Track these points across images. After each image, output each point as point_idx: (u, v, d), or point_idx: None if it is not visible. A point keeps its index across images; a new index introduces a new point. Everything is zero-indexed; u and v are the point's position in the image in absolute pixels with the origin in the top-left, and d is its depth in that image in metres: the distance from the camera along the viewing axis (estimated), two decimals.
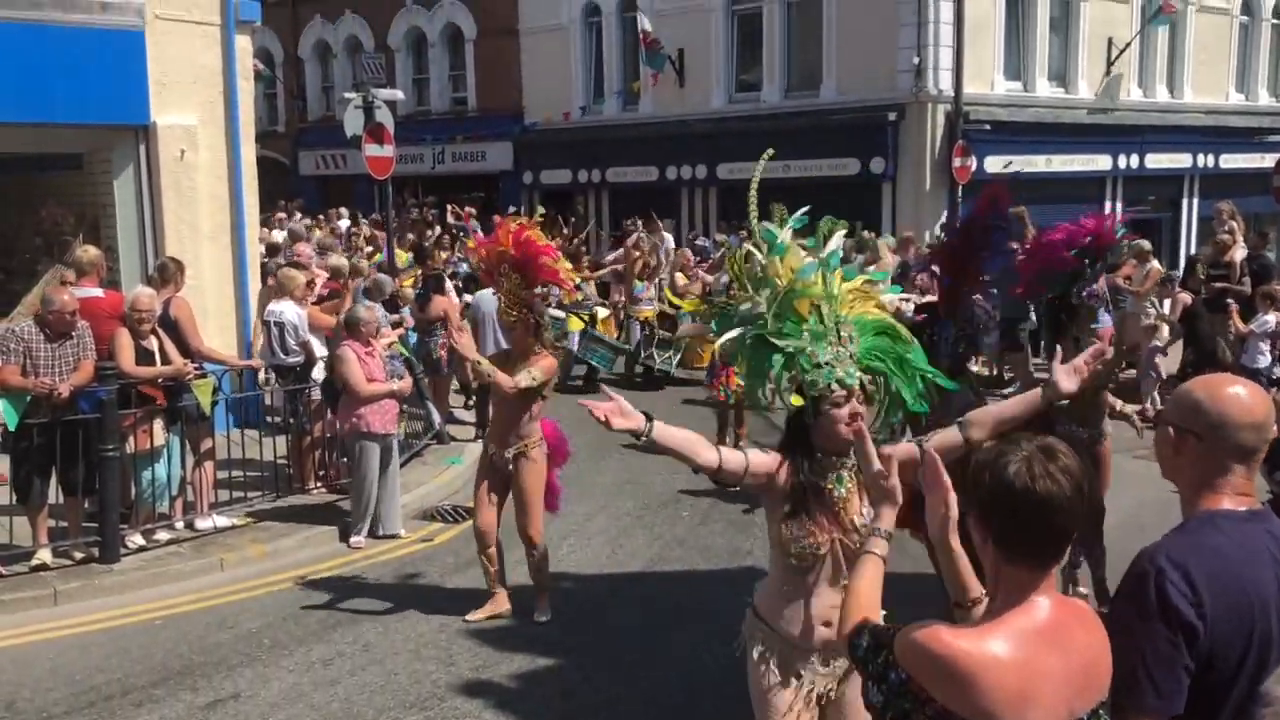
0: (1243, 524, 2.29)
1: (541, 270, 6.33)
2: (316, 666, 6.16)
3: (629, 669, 6.08)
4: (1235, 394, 2.32)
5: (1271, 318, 11.47)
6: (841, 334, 3.54)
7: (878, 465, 2.72)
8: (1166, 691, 2.16)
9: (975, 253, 5.71)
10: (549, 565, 6.90)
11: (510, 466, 6.54)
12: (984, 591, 2.39)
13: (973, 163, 18.76)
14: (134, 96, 10.27)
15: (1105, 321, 13.06)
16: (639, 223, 18.81)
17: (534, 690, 5.88)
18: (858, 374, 3.48)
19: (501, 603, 6.79)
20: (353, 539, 8.22)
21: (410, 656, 6.28)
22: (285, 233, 16.73)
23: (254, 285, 11.39)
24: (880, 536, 2.63)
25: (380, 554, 8.09)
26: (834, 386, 3.43)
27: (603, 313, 15.56)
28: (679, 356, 14.56)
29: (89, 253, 8.27)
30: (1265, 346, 11.50)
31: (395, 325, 10.72)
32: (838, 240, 3.71)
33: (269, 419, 9.94)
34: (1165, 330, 12.96)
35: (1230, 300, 12.47)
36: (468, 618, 6.70)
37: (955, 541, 2.43)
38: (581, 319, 14.37)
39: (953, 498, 2.38)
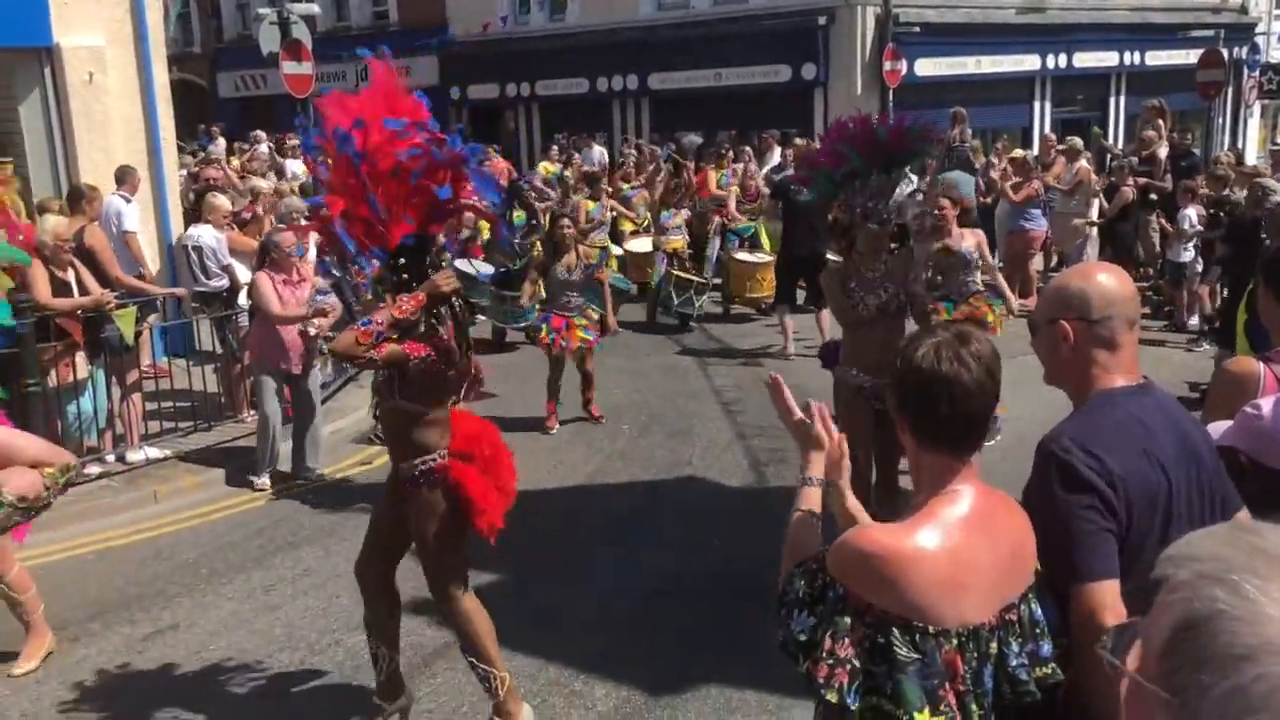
0: (1136, 397, 2.36)
1: None
2: (257, 593, 6.14)
3: (568, 580, 6.13)
4: (1108, 274, 2.42)
5: (1192, 211, 11.66)
6: None
7: (799, 414, 2.53)
8: (1101, 558, 2.17)
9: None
10: None
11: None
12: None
13: (903, 66, 18.67)
14: (34, 17, 9.78)
15: (1040, 223, 13.24)
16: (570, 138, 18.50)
17: None
18: None
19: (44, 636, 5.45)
20: (255, 479, 7.82)
21: (351, 579, 6.18)
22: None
23: (174, 211, 11.08)
24: (812, 485, 2.46)
25: (317, 479, 8.03)
26: None
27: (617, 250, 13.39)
28: (701, 299, 12.63)
29: None
30: (1189, 242, 11.71)
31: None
32: None
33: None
34: (1094, 231, 13.15)
35: (1154, 195, 12.67)
36: (13, 672, 5.28)
37: (845, 483, 2.46)
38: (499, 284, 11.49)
39: (840, 439, 2.46)
